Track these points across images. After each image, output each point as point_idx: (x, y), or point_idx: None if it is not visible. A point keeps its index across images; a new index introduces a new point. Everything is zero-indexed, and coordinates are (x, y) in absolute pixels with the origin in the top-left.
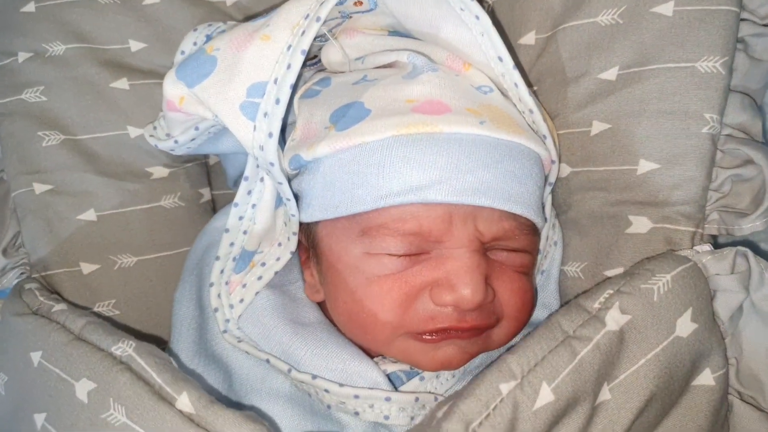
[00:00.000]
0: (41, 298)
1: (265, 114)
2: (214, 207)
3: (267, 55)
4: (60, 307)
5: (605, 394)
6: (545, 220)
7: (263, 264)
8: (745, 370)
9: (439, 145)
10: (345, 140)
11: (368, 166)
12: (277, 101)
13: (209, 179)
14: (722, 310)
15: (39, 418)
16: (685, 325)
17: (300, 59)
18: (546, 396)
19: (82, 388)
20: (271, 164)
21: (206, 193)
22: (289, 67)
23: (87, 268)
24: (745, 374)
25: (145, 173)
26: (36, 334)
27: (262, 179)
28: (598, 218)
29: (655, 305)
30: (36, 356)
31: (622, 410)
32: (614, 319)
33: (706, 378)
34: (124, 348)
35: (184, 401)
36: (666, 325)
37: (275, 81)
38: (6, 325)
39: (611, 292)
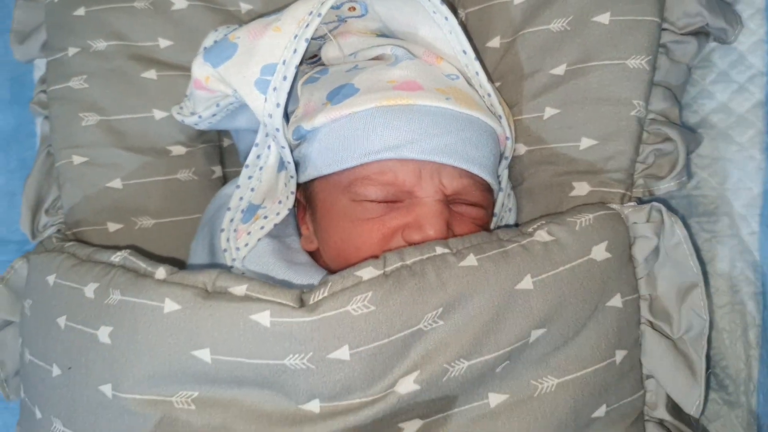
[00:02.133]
0: (55, 242)
1: (275, 88)
2: (224, 182)
3: (278, 42)
4: (70, 243)
5: (528, 284)
6: (499, 184)
7: (266, 217)
8: (657, 305)
9: (412, 114)
10: (338, 111)
11: (356, 131)
12: (284, 78)
13: (222, 159)
14: (638, 253)
15: (61, 321)
16: (600, 253)
17: (304, 45)
18: (471, 261)
19: (89, 289)
20: (277, 130)
21: (218, 171)
22: (295, 51)
23: (112, 227)
24: (657, 308)
25: (166, 150)
26: (51, 262)
27: (269, 147)
28: (547, 186)
29: (576, 232)
30: (51, 278)
31: (539, 302)
32: (541, 236)
33: (616, 301)
34: (121, 254)
35: (160, 272)
36: (583, 247)
37: (283, 62)
38: (29, 263)
39: (543, 222)
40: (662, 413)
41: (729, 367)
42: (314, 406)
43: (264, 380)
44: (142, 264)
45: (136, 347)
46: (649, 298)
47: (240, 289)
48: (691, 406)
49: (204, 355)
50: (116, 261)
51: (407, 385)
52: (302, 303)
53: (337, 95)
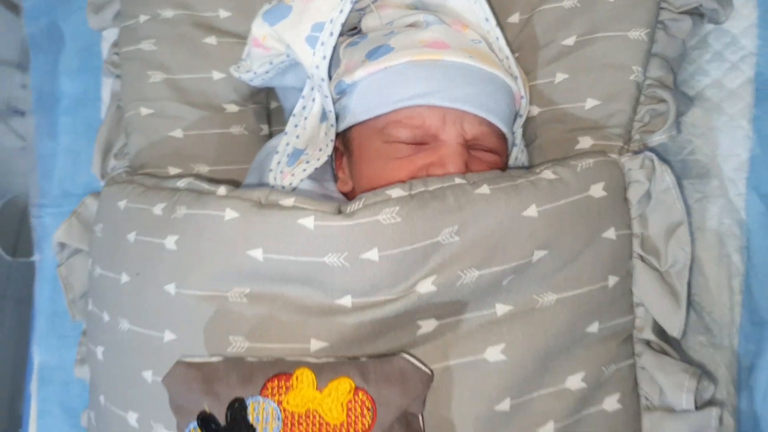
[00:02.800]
0: (125, 176)
1: (322, 43)
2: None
3: (327, 4)
4: (138, 176)
5: (533, 212)
6: (513, 139)
7: (308, 162)
8: (648, 242)
9: (440, 68)
10: (375, 66)
11: (390, 82)
12: (331, 34)
13: (269, 119)
14: (632, 195)
15: (131, 236)
16: (598, 191)
17: (349, 6)
18: (485, 190)
19: (158, 208)
20: (322, 80)
21: (265, 129)
22: (341, 11)
23: (172, 171)
24: (648, 245)
25: (221, 108)
26: (122, 190)
27: (313, 99)
28: (556, 142)
29: (577, 173)
30: (122, 203)
31: (542, 227)
32: (547, 175)
33: (610, 234)
34: (186, 180)
35: (221, 190)
36: (583, 185)
37: (331, 21)
38: (102, 193)
39: (549, 164)
40: (649, 335)
41: (714, 313)
42: (347, 301)
43: (306, 277)
44: (205, 185)
45: (199, 250)
46: (640, 235)
47: (289, 201)
48: (674, 328)
49: (257, 254)
50: (182, 185)
51: (426, 286)
52: (340, 212)
53: (374, 54)
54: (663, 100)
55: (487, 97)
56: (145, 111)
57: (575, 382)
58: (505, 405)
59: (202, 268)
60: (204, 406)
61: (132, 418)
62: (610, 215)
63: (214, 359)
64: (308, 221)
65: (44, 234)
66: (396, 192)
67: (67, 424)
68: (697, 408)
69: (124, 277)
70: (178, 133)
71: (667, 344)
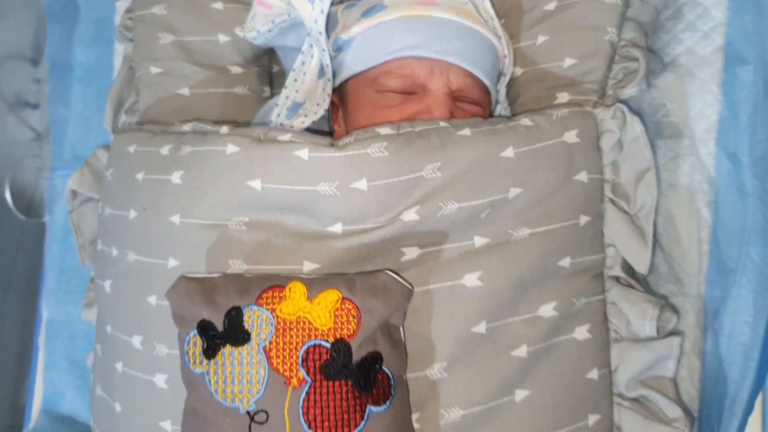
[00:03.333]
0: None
1: None
2: None
3: None
4: (146, 125)
5: (510, 153)
6: (497, 94)
7: (305, 115)
8: (619, 189)
9: (429, 23)
10: (369, 22)
11: (382, 35)
12: None
13: (271, 82)
14: (605, 144)
15: (139, 176)
16: (571, 137)
17: None
18: (466, 132)
19: (165, 149)
20: (320, 33)
21: (267, 91)
22: None
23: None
24: (619, 191)
25: (226, 69)
26: (132, 137)
27: (312, 55)
28: (537, 99)
29: (552, 120)
30: (132, 148)
31: (518, 167)
32: (524, 121)
33: (582, 177)
34: (191, 123)
35: (223, 129)
36: (558, 131)
37: None
38: (113, 141)
39: (527, 113)
40: (618, 272)
41: (684, 263)
42: (337, 228)
43: (300, 206)
44: (208, 126)
45: (202, 183)
46: (612, 181)
47: (286, 136)
48: (642, 266)
49: (256, 184)
50: (187, 129)
51: (410, 215)
52: (333, 146)
53: (369, 12)
54: (635, 59)
55: (473, 52)
56: (154, 70)
57: (547, 310)
58: (481, 327)
59: (205, 199)
60: (204, 314)
61: (136, 341)
62: (582, 160)
63: (214, 275)
64: (303, 153)
65: (55, 196)
66: (385, 130)
67: (72, 376)
68: (660, 337)
69: (132, 213)
70: (185, 91)
71: (634, 279)
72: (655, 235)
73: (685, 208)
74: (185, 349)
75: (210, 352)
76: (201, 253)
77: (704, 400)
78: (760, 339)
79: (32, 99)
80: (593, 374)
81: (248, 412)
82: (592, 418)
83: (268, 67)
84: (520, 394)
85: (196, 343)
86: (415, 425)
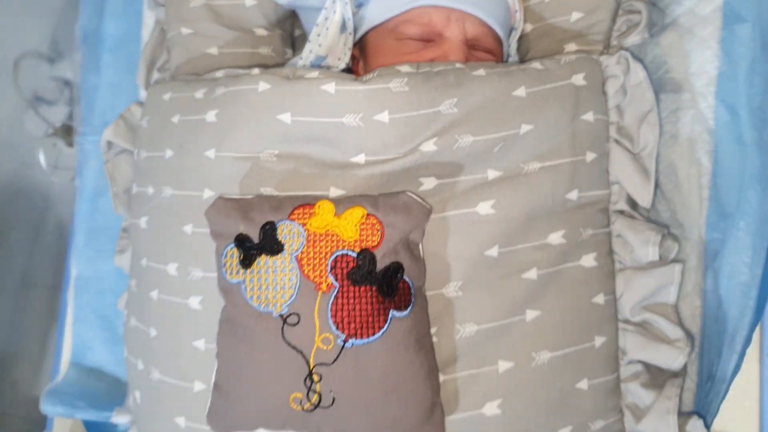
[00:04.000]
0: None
1: None
2: None
3: None
4: (180, 76)
5: (522, 93)
6: (509, 47)
7: (328, 68)
8: (623, 130)
9: None
10: None
11: None
12: None
13: (293, 45)
14: (610, 88)
15: (175, 118)
16: (579, 80)
17: None
18: (481, 72)
19: (199, 93)
20: None
21: (289, 53)
22: None
23: None
24: (623, 132)
25: (251, 31)
26: (166, 86)
27: (334, 11)
28: (546, 52)
29: (561, 65)
30: (167, 95)
31: (529, 105)
32: (535, 65)
33: (589, 116)
34: (223, 70)
35: (255, 70)
36: (566, 74)
37: None
38: (147, 93)
39: (537, 58)
40: (622, 205)
41: (685, 208)
42: (360, 158)
43: (326, 137)
44: (240, 70)
45: (236, 119)
46: (616, 124)
47: (313, 74)
48: (645, 199)
49: (286, 118)
50: (219, 75)
51: (428, 146)
52: (357, 80)
53: None
54: (638, 12)
55: (487, 3)
56: (185, 31)
57: (556, 238)
58: (493, 251)
59: (239, 134)
60: (240, 229)
61: (172, 268)
62: (589, 101)
63: (249, 196)
64: (330, 87)
65: (85, 160)
66: (405, 68)
67: (100, 329)
68: (662, 264)
69: (168, 153)
70: (213, 51)
71: (637, 212)
72: (657, 173)
73: (686, 157)
74: (222, 262)
75: (246, 262)
76: (234, 183)
77: (705, 336)
78: (757, 278)
79: (49, 96)
80: (599, 299)
81: (281, 315)
82: (599, 340)
83: (290, 31)
84: (531, 314)
85: (233, 255)
86: (433, 338)
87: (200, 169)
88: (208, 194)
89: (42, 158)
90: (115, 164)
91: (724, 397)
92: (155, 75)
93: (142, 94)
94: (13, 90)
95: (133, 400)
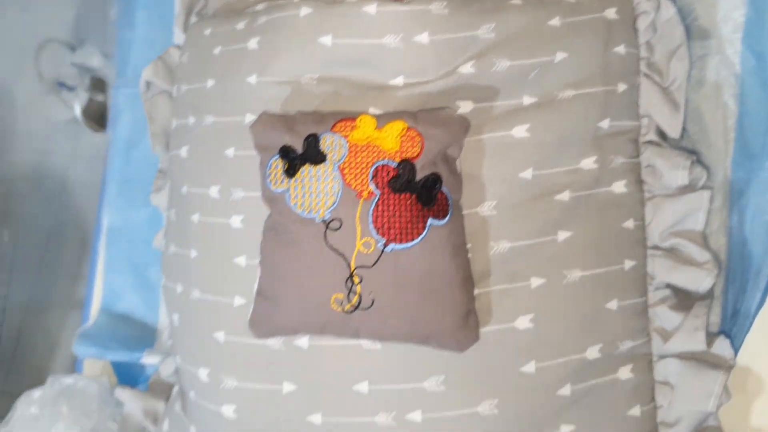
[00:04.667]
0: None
1: None
2: None
3: None
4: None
5: (556, 22)
6: None
7: None
8: (653, 64)
9: None
10: None
11: None
12: None
13: None
14: (641, 24)
15: (216, 50)
16: (611, 14)
17: None
18: (518, 2)
19: (240, 25)
20: None
21: None
22: None
23: None
24: (653, 67)
25: None
26: (205, 22)
27: None
28: None
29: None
30: (207, 31)
31: (563, 33)
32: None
33: (620, 49)
34: (264, 3)
35: None
36: (598, 8)
37: None
38: (188, 31)
39: None
40: (652, 136)
41: (712, 150)
42: (399, 80)
43: (366, 60)
44: (281, 1)
45: (278, 45)
46: (647, 59)
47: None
48: (674, 130)
49: (327, 40)
50: (260, 7)
51: (466, 68)
52: (397, 1)
53: None
54: None
55: None
56: None
57: (588, 163)
58: (527, 174)
59: (280, 59)
60: (285, 140)
61: (214, 191)
62: (620, 34)
63: (292, 112)
64: (371, 8)
65: (118, 113)
66: None
67: (131, 276)
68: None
69: (210, 82)
70: None
71: (666, 142)
72: (686, 102)
73: (712, 101)
74: (267, 173)
75: (290, 171)
76: (275, 106)
77: (730, 273)
78: None
79: (70, 81)
80: (629, 224)
81: (324, 221)
82: (628, 263)
83: None
84: (562, 235)
85: (277, 165)
86: (468, 254)
87: (242, 95)
88: (250, 118)
89: (77, 110)
90: (153, 104)
91: (747, 332)
92: (193, 18)
93: (180, 39)
94: (35, 76)
95: (170, 325)
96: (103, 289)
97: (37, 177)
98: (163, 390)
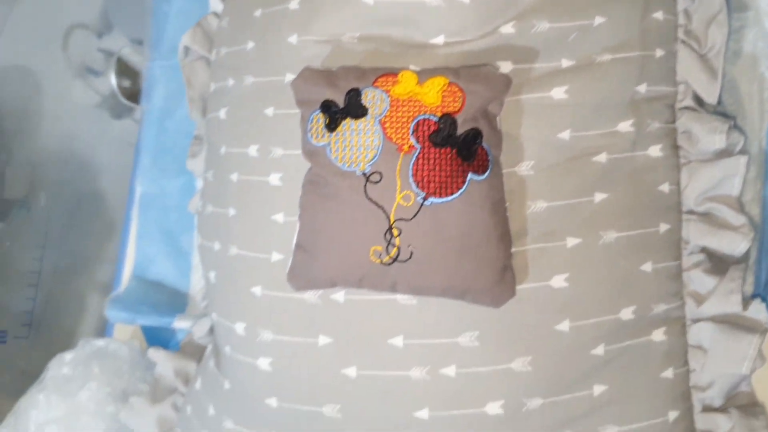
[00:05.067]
0: None
1: None
2: None
3: None
4: None
5: None
6: None
7: None
8: (691, 32)
9: None
10: None
11: None
12: None
13: None
14: None
15: (257, 12)
16: None
17: None
18: None
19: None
20: None
21: None
22: None
23: None
24: (691, 34)
25: None
26: None
27: None
28: None
29: None
30: None
31: (602, 3)
32: None
33: (659, 15)
34: None
35: None
36: None
37: None
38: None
39: None
40: (689, 102)
41: (747, 120)
42: (440, 39)
43: (407, 18)
44: None
45: (319, 4)
46: (684, 26)
47: None
48: (711, 96)
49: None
50: None
51: (507, 29)
52: None
53: None
54: None
55: None
56: None
57: (625, 126)
58: (565, 135)
59: (322, 18)
60: (326, 95)
61: (252, 150)
62: (658, 1)
63: (333, 69)
64: None
65: (153, 84)
66: None
67: (163, 243)
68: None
69: (250, 44)
70: None
71: (703, 108)
72: (724, 68)
73: (748, 73)
74: (308, 127)
75: (332, 125)
76: (315, 65)
77: (764, 243)
78: None
79: (97, 67)
80: (664, 188)
81: (364, 174)
82: (663, 227)
83: None
84: (599, 197)
85: (318, 120)
86: None
87: (282, 54)
88: (290, 78)
89: (113, 81)
90: (191, 69)
91: None
92: None
93: (217, 8)
94: (61, 62)
95: (206, 284)
96: (136, 255)
97: (64, 158)
98: (194, 352)
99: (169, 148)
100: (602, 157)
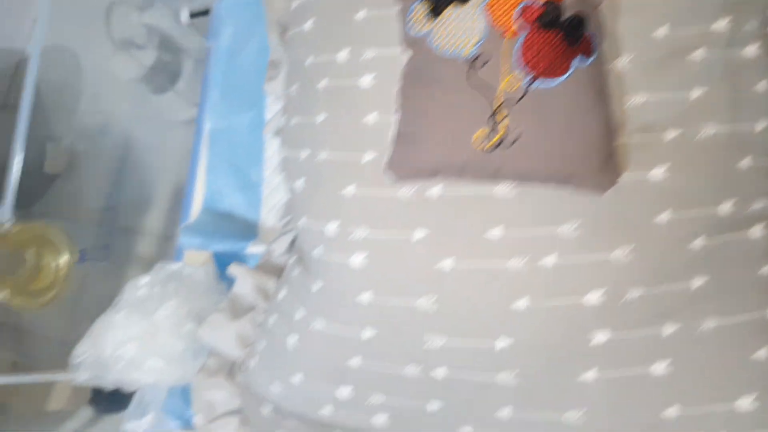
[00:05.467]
0: None
1: None
2: None
3: None
4: None
5: None
6: None
7: None
8: None
9: None
10: None
11: None
12: None
13: None
14: None
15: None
16: None
17: None
18: None
19: None
20: None
21: None
22: None
23: None
24: None
25: None
26: None
27: None
28: None
29: None
30: None
31: None
32: None
33: None
34: None
35: None
36: None
37: None
38: None
39: None
40: None
41: None
42: None
43: None
44: None
45: None
46: None
47: None
48: None
49: None
50: None
51: None
52: None
53: None
54: None
55: None
56: None
57: (721, 25)
58: (663, 30)
59: None
60: None
61: (342, 55)
62: None
63: None
64: None
65: (220, 23)
66: None
67: (232, 177)
68: None
69: None
70: None
71: None
72: None
73: None
74: (408, 19)
75: (436, 11)
76: None
77: None
78: None
79: (139, 41)
80: (761, 86)
81: (468, 59)
82: (760, 124)
83: None
84: (696, 92)
85: (419, 10)
86: None
87: None
88: None
89: (184, 16)
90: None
91: None
92: None
93: None
94: (103, 38)
95: (291, 194)
96: (206, 189)
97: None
98: (273, 270)
99: (236, 86)
100: (699, 55)
